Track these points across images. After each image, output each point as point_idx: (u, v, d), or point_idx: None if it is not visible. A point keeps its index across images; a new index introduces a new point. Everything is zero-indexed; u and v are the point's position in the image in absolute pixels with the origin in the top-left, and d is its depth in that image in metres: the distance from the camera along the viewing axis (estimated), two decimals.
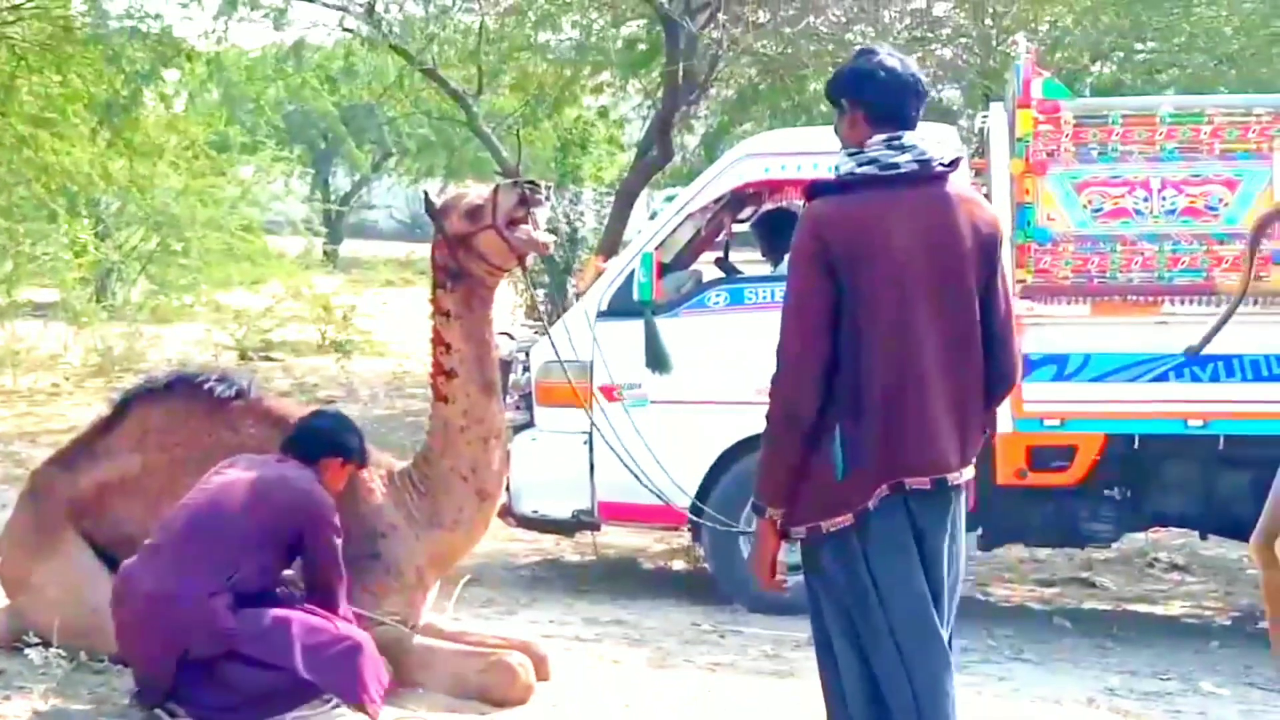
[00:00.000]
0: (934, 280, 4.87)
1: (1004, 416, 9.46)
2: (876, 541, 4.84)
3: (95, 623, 6.91)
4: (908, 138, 4.92)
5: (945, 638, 4.91)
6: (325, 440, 6.82)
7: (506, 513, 10.12)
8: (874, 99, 4.96)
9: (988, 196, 9.89)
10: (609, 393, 9.84)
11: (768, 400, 4.92)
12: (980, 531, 10.18)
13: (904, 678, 4.83)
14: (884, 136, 4.91)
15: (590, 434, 9.73)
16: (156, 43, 16.31)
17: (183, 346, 21.88)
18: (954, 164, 5.00)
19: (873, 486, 4.82)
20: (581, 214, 19.77)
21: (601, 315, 9.97)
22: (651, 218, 11.52)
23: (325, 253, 35.80)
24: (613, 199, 18.63)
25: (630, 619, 9.37)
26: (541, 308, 14.95)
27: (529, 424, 10.09)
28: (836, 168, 5.02)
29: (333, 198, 41.84)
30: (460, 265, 7.12)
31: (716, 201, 10.44)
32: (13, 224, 19.71)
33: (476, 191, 7.25)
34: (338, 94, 29.97)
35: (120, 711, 6.55)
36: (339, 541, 6.55)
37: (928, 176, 4.94)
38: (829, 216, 4.88)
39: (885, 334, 4.81)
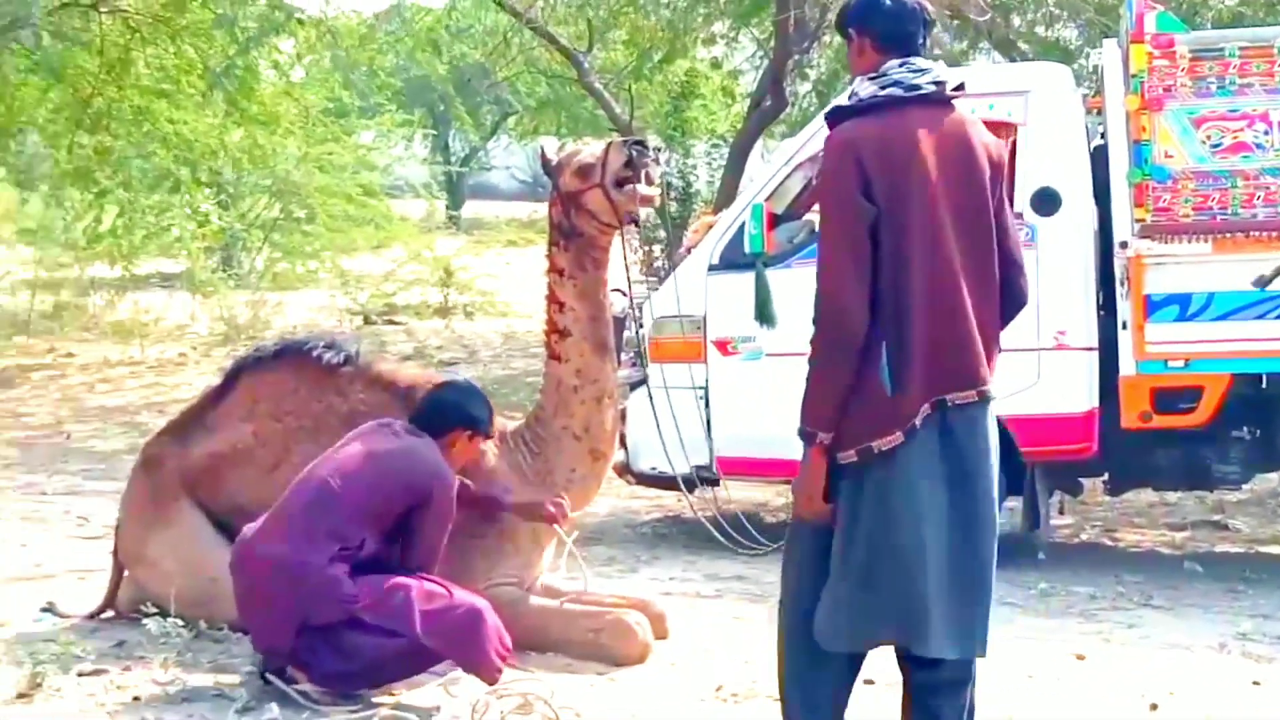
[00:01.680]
0: (959, 200, 4.94)
1: (1126, 359, 9.31)
2: (920, 458, 4.88)
3: (213, 591, 6.95)
4: (920, 62, 5.01)
5: (992, 562, 5.01)
6: (454, 413, 6.72)
7: (625, 471, 10.11)
8: (880, 27, 5.05)
9: (1103, 135, 9.74)
10: (723, 347, 9.78)
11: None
12: (1106, 476, 10.05)
13: (918, 590, 4.91)
14: (898, 61, 4.98)
15: (706, 389, 9.68)
16: (268, 9, 16.38)
17: (307, 313, 22.05)
18: (960, 88, 5.07)
19: (918, 404, 4.86)
20: (694, 167, 19.66)
21: (713, 269, 9.89)
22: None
23: (448, 215, 35.90)
24: (726, 151, 18.52)
25: (751, 574, 9.29)
26: (657, 263, 14.90)
27: (644, 380, 10.04)
28: (854, 94, 5.06)
29: (453, 160, 41.96)
30: (572, 223, 7.09)
31: None
32: (134, 195, 19.88)
33: (590, 149, 7.19)
34: (450, 57, 29.98)
35: (240, 680, 6.57)
36: (447, 520, 6.51)
37: (942, 100, 5.03)
38: (861, 138, 4.91)
39: (922, 253, 4.87)
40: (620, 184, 6.95)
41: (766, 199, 9.91)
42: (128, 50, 16.96)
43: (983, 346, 4.98)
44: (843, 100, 5.22)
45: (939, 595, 4.93)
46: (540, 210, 39.27)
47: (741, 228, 9.79)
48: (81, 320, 20.16)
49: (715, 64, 21.67)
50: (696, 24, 19.38)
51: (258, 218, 25.13)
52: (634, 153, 6.94)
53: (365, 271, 23.41)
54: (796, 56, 17.02)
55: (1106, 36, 13.64)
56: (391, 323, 21.68)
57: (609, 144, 7.12)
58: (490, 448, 7.14)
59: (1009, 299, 5.10)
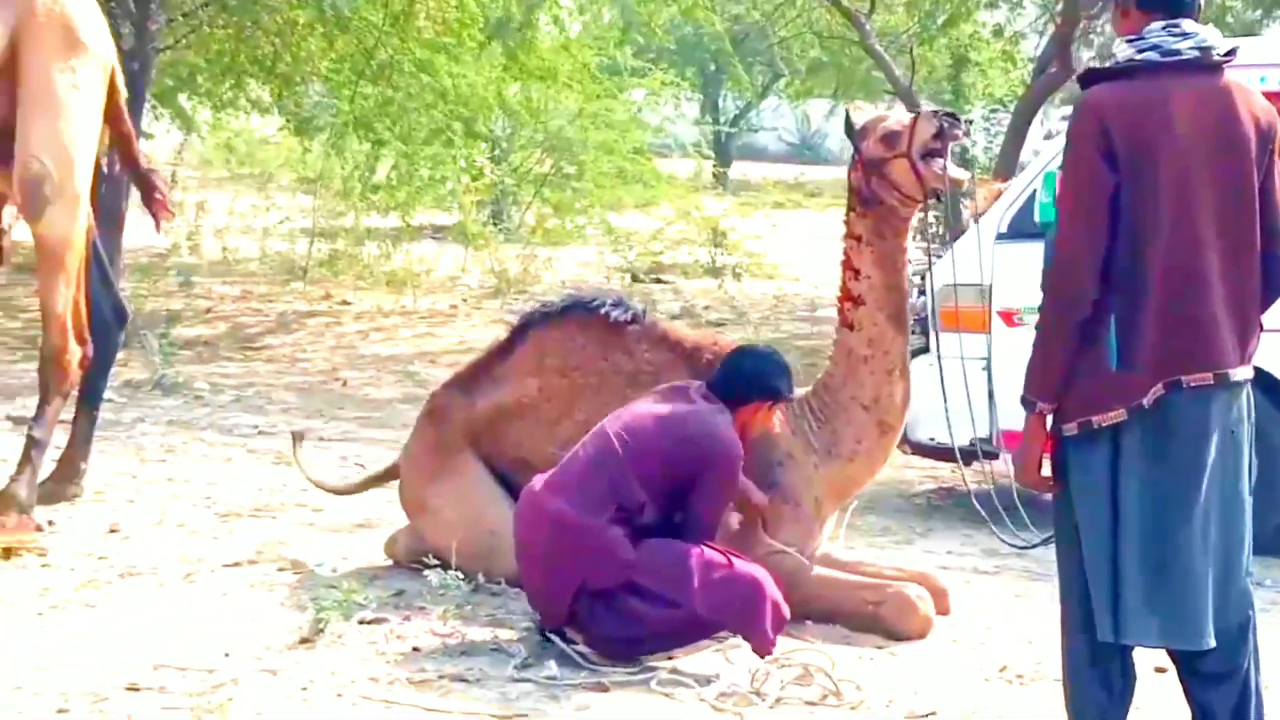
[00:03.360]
0: (1215, 172, 4.74)
1: None
2: (1148, 440, 4.73)
3: (493, 545, 6.99)
4: (1187, 25, 4.77)
5: (1243, 551, 4.86)
6: (756, 383, 6.62)
7: (902, 440, 9.91)
8: None
9: None
10: (1008, 317, 9.54)
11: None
12: None
13: (1148, 583, 4.76)
14: (1162, 24, 4.77)
15: (989, 359, 9.45)
16: None
17: (575, 269, 22.13)
18: (1231, 54, 4.84)
19: (1149, 383, 4.71)
20: (969, 133, 19.29)
21: (1000, 237, 9.64)
22: (1047, 138, 11.09)
23: (715, 175, 35.80)
24: (1005, 117, 18.19)
25: (1032, 552, 9.03)
26: (931, 229, 14.63)
27: (924, 349, 9.84)
28: (1114, 56, 4.90)
29: (722, 120, 41.84)
30: (872, 190, 6.93)
31: None
32: (412, 148, 20.10)
33: (896, 116, 7.06)
34: (729, 15, 29.79)
35: (518, 635, 6.57)
36: (729, 494, 6.44)
37: (1207, 66, 4.80)
38: (1110, 103, 4.75)
39: (1166, 225, 4.70)
40: (927, 155, 6.78)
41: (1059, 167, 9.63)
42: (411, 3, 17.12)
43: (1236, 327, 4.80)
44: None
45: (1171, 583, 4.77)
46: (808, 173, 39.26)
47: (1032, 196, 9.54)
48: (356, 269, 20.43)
49: (997, 30, 21.22)
50: None
51: (529, 172, 25.24)
52: (944, 124, 6.76)
53: (632, 229, 23.43)
54: (1084, 21, 16.57)
55: None
56: (659, 281, 21.63)
57: (918, 113, 6.95)
58: (776, 413, 7.04)
59: (1271, 278, 4.89)
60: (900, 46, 20.00)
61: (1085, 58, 20.48)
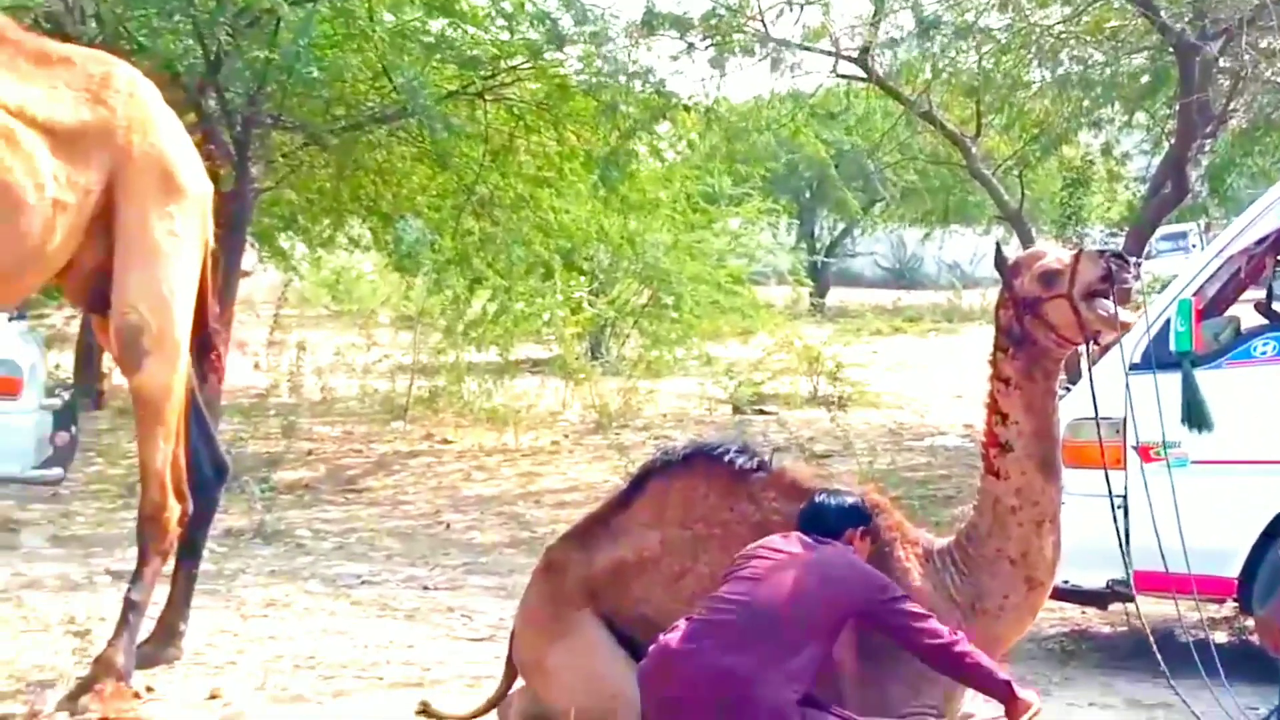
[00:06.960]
0: None
1: None
2: None
3: (613, 708, 6.53)
4: None
5: None
6: (847, 514, 6.37)
7: None
8: None
9: None
10: (1145, 453, 9.07)
11: None
12: None
13: None
14: None
15: (1125, 498, 8.98)
16: (653, 95, 16.25)
17: (676, 401, 21.81)
18: None
19: None
20: (1139, 276, 18.87)
21: (1134, 368, 9.18)
22: (1147, 257, 10.65)
23: (812, 303, 35.55)
24: (1120, 239, 17.79)
25: (1176, 700, 8.55)
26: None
27: None
28: None
29: (817, 247, 41.71)
30: (1025, 331, 6.50)
31: (1259, 241, 9.57)
32: (511, 282, 19.94)
33: (1055, 254, 6.62)
34: (829, 142, 29.58)
35: None
36: (904, 599, 6.13)
37: None
38: None
39: None
40: (1090, 296, 6.36)
41: (1194, 294, 9.22)
42: (511, 138, 16.99)
43: None
44: None
45: None
46: (905, 298, 38.92)
47: (1167, 324, 9.11)
48: (456, 406, 20.17)
49: (1106, 149, 20.81)
50: (1084, 108, 18.66)
51: (626, 304, 25.02)
52: (1113, 266, 6.33)
53: (731, 359, 23.12)
54: (1199, 141, 16.13)
55: None
56: (761, 413, 21.26)
57: (1079, 252, 6.53)
58: (916, 566, 6.61)
59: None
60: (1005, 170, 19.70)
61: (1193, 177, 20.06)
